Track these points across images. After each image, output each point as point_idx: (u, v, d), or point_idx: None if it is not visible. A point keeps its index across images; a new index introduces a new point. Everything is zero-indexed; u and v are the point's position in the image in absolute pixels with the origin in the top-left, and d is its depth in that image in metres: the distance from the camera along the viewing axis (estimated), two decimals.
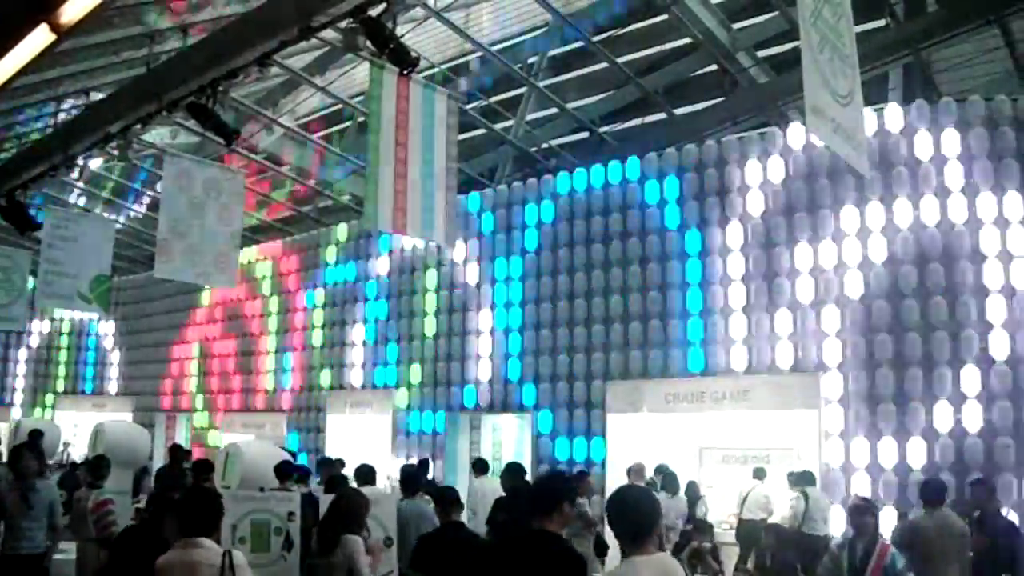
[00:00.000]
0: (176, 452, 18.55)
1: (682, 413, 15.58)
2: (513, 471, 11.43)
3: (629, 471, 14.14)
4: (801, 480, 13.59)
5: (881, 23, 16.82)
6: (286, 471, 12.29)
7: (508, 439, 19.63)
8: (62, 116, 18.19)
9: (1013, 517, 11.61)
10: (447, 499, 8.63)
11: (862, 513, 8.37)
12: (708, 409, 15.20)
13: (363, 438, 19.93)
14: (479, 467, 15.53)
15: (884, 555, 7.59)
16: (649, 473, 14.47)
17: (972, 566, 9.76)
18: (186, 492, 7.46)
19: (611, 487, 14.85)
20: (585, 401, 16.59)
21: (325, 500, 10.74)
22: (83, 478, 13.25)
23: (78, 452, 23.92)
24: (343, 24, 11.52)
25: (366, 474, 13.00)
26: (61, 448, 23.84)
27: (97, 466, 12.78)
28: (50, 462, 19.61)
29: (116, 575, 6.72)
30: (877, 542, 7.76)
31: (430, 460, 17.48)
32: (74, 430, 26.34)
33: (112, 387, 29.53)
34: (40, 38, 11.23)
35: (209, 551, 6.06)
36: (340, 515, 8.07)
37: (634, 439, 15.87)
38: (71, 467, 20.14)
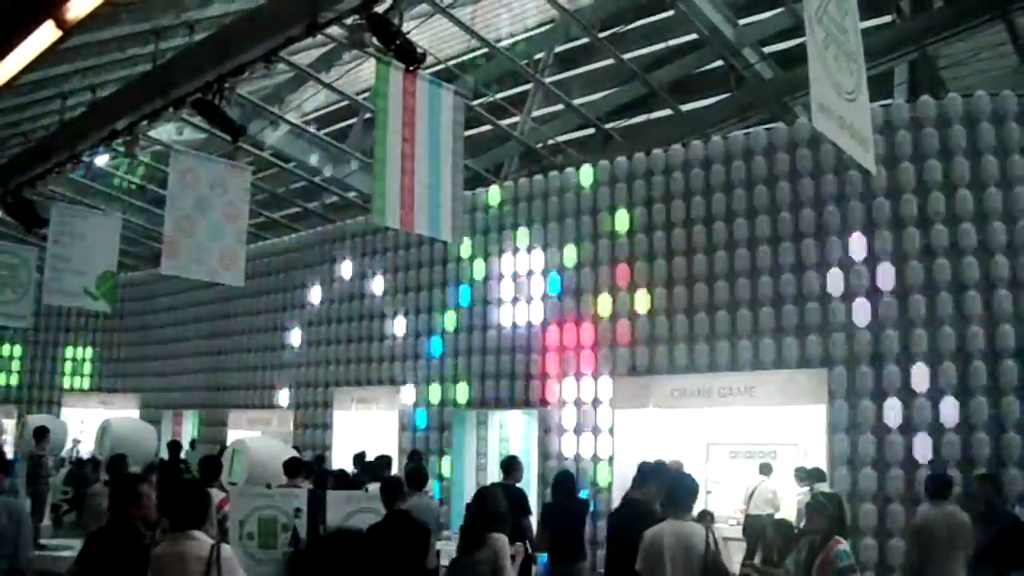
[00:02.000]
0: (175, 448, 18.71)
1: (689, 409, 15.58)
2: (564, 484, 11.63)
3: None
4: (810, 476, 13.59)
5: (887, 19, 16.84)
6: (294, 467, 12.30)
7: (515, 435, 19.64)
8: (68, 113, 18.18)
9: (1020, 512, 11.62)
10: (392, 489, 8.76)
11: (812, 511, 8.41)
12: (715, 405, 15.21)
13: (369, 434, 19.91)
14: (412, 460, 16.12)
15: (829, 552, 7.62)
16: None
17: (976, 561, 9.77)
18: (174, 486, 7.46)
19: (618, 484, 14.91)
20: (592, 397, 16.60)
21: (332, 496, 10.79)
22: (93, 474, 13.26)
23: (87, 448, 23.98)
24: (349, 20, 11.53)
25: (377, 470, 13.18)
26: (71, 445, 23.94)
27: (115, 464, 12.85)
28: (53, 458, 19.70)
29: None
30: (830, 539, 7.77)
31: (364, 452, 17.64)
32: (81, 426, 26.40)
33: (118, 384, 29.57)
34: (46, 34, 11.23)
35: (199, 543, 6.10)
36: (487, 513, 8.12)
37: (641, 435, 15.87)
38: (78, 463, 20.20)
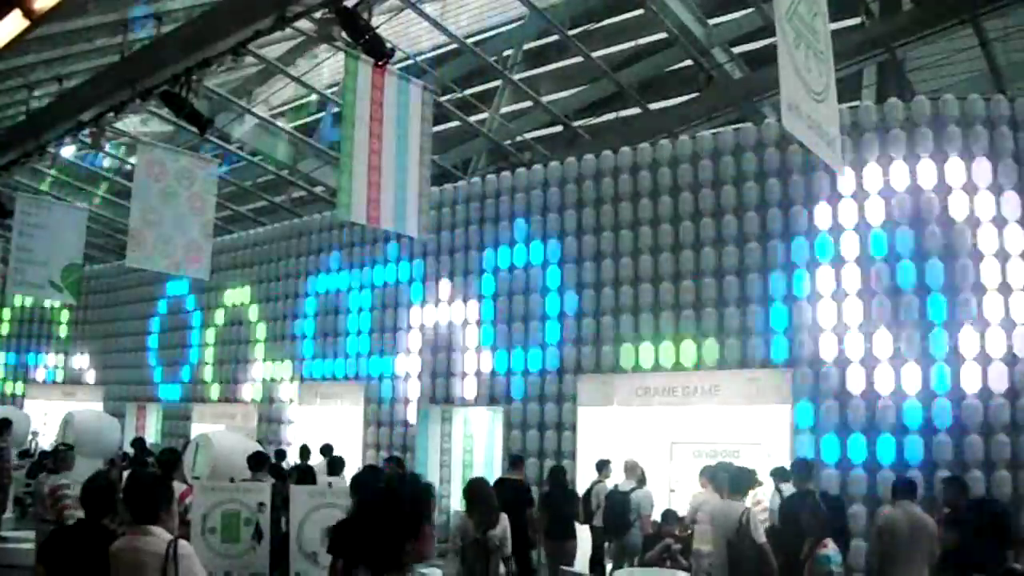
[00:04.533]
0: (140, 445, 18.58)
1: (653, 407, 15.59)
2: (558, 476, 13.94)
3: (601, 464, 14.50)
4: (776, 475, 13.61)
5: (856, 21, 16.94)
6: (258, 461, 12.25)
7: (480, 432, 19.64)
8: (34, 103, 18.06)
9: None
10: (364, 484, 8.78)
11: (807, 513, 8.79)
12: (679, 404, 15.22)
13: (334, 430, 19.84)
14: (326, 452, 17.18)
15: (814, 554, 7.87)
16: (618, 468, 14.50)
17: (941, 563, 9.81)
18: (130, 478, 7.35)
19: (581, 480, 14.93)
20: (556, 395, 16.59)
21: (296, 491, 10.75)
22: (48, 465, 13.20)
23: (47, 441, 23.82)
24: (318, 14, 11.53)
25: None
26: (29, 437, 23.75)
27: (57, 453, 12.81)
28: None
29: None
30: (819, 542, 8.05)
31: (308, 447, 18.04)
32: (44, 419, 26.21)
33: (83, 376, 29.37)
34: (13, 24, 11.18)
35: (156, 539, 5.96)
36: (493, 500, 9.82)
37: (605, 433, 15.88)
38: (40, 457, 20.08)
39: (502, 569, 9.79)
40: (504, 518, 9.72)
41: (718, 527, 9.68)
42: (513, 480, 13.36)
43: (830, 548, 8.01)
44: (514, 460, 14.37)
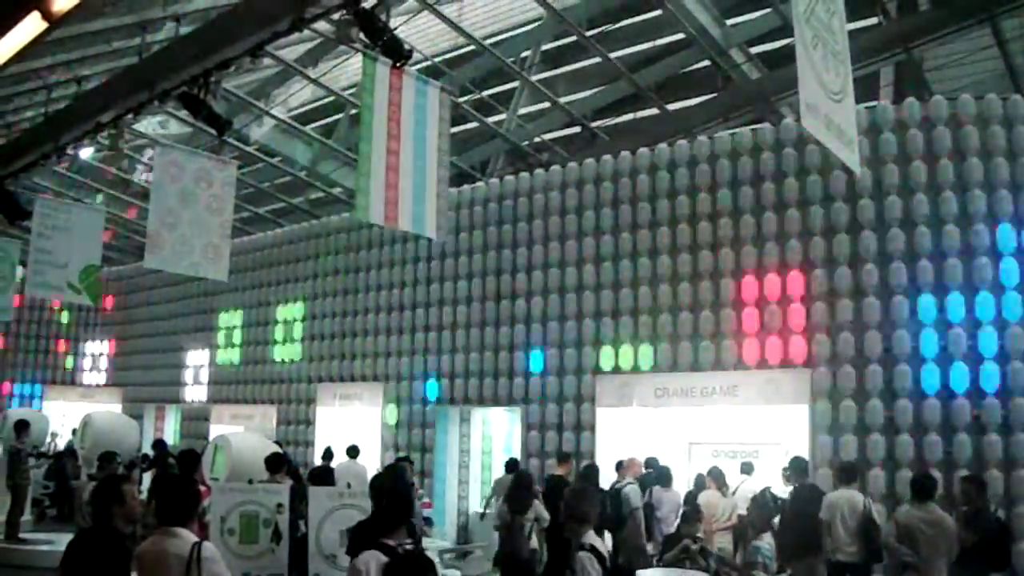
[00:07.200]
0: (161, 447, 18.60)
1: (672, 407, 15.58)
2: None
3: (619, 464, 14.43)
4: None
5: (874, 21, 16.91)
6: (276, 463, 12.26)
7: (498, 432, 19.63)
8: (52, 105, 18.12)
9: (1001, 514, 11.64)
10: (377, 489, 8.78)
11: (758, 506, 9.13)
12: (698, 404, 15.21)
13: (353, 430, 19.85)
14: (352, 453, 17.65)
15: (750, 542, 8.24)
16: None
17: (959, 562, 9.79)
18: (161, 481, 7.36)
19: (601, 480, 14.92)
20: (575, 395, 16.58)
21: (315, 492, 10.76)
22: (73, 468, 13.28)
23: (64, 442, 23.88)
24: (336, 16, 11.51)
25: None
26: (49, 439, 23.81)
27: (103, 458, 12.92)
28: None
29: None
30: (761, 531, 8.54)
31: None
32: (62, 420, 26.29)
33: (101, 378, 29.45)
34: (31, 26, 11.20)
35: (181, 541, 5.99)
36: (528, 487, 12.35)
37: (624, 433, 15.87)
38: (57, 457, 20.12)
39: (534, 544, 12.06)
40: (536, 504, 12.00)
41: (847, 517, 10.62)
42: (557, 476, 14.31)
43: (764, 541, 8.21)
44: (560, 457, 15.10)
